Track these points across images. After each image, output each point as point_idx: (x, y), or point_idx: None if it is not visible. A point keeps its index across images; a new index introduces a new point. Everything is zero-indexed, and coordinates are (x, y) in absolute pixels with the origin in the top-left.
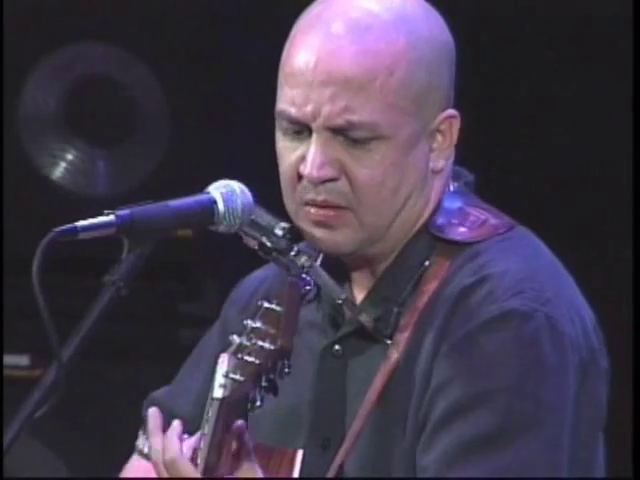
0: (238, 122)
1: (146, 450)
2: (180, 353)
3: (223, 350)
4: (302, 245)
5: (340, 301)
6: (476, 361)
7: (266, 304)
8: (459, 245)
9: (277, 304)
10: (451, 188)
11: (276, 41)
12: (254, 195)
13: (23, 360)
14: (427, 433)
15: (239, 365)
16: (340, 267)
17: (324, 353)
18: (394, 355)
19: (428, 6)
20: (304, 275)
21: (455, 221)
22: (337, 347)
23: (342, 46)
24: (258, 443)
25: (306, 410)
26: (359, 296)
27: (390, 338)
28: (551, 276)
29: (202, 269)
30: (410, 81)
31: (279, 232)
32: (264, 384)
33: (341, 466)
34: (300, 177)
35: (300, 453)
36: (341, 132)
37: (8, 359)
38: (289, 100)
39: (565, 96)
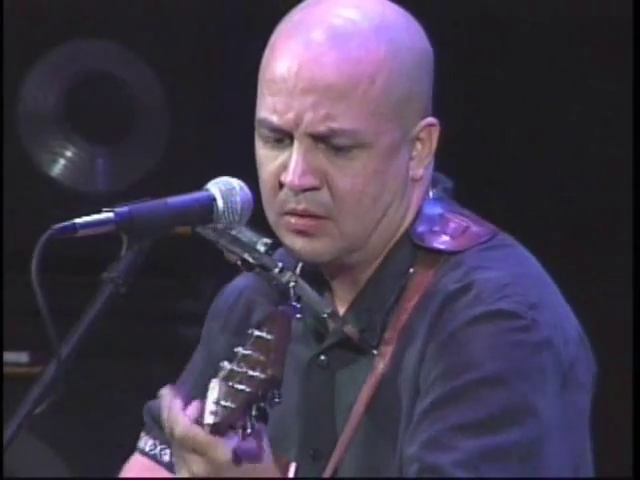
0: (237, 119)
1: (147, 448)
2: (179, 350)
3: (213, 375)
4: (278, 253)
5: (325, 315)
6: (461, 356)
7: (257, 332)
8: (442, 254)
9: (267, 332)
10: (430, 195)
11: None
12: (253, 191)
13: (22, 357)
14: (412, 427)
15: (230, 392)
16: (320, 277)
17: (310, 364)
18: (380, 365)
19: (407, 14)
20: (294, 303)
21: (436, 229)
22: (322, 357)
23: (323, 53)
24: None
25: (295, 421)
26: (341, 306)
27: (376, 348)
28: (535, 283)
29: (201, 267)
30: (391, 89)
31: (261, 248)
32: (254, 413)
33: (332, 477)
34: (281, 186)
35: (293, 466)
36: (323, 140)
37: (7, 356)
38: (270, 108)
39: (565, 96)
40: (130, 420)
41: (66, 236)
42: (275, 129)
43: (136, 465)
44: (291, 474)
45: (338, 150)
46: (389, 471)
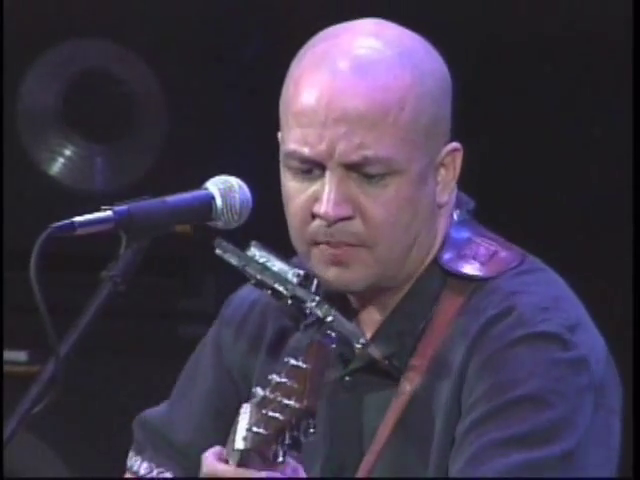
0: (236, 118)
1: (142, 471)
2: (179, 349)
3: (246, 400)
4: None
5: (360, 346)
6: (504, 375)
7: (293, 361)
8: (473, 280)
9: (304, 361)
10: (455, 217)
11: (274, 39)
12: (252, 191)
13: (21, 356)
14: (455, 445)
15: (263, 419)
16: (346, 302)
17: (335, 386)
18: (407, 390)
19: (423, 40)
20: (330, 333)
21: (465, 254)
22: (347, 379)
23: (353, 83)
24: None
25: (320, 442)
26: (367, 330)
27: (402, 374)
28: (571, 305)
29: (201, 265)
30: (419, 115)
31: (293, 279)
32: (287, 441)
33: None
34: (313, 217)
35: None
36: (356, 169)
37: (6, 355)
38: (301, 140)
39: (565, 96)
40: (130, 419)
41: (65, 234)
42: (306, 160)
43: None
44: None
45: (371, 178)
46: None
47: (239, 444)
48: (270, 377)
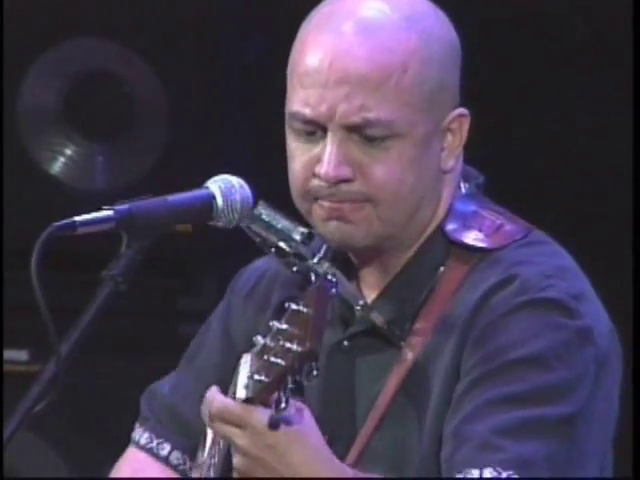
0: (237, 117)
1: (143, 441)
2: (179, 348)
3: (246, 350)
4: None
5: (359, 307)
6: (504, 339)
7: (293, 306)
8: (477, 251)
9: (304, 306)
10: (462, 190)
11: (274, 36)
12: (253, 189)
13: (22, 355)
14: (452, 406)
15: (264, 366)
16: (348, 262)
17: (332, 349)
18: (409, 356)
19: (434, 5)
20: (330, 277)
21: (470, 225)
22: (345, 343)
23: (356, 45)
24: None
25: (314, 405)
26: (368, 294)
27: (403, 339)
28: (576, 276)
29: (201, 264)
30: (423, 79)
31: (297, 237)
32: (290, 386)
33: (355, 463)
34: (314, 177)
35: None
36: (357, 131)
37: (7, 354)
38: (303, 101)
39: (565, 97)
40: (130, 418)
41: (66, 234)
42: (308, 121)
43: (132, 460)
44: None
45: (373, 140)
46: (414, 461)
47: (240, 393)
48: (271, 324)
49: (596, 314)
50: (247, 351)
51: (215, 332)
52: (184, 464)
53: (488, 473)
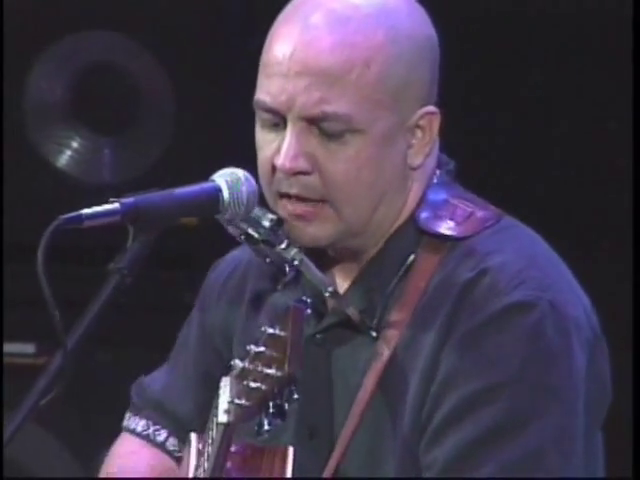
0: (242, 110)
1: (139, 429)
2: None
3: (225, 373)
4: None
5: (327, 294)
6: (482, 356)
7: (270, 330)
8: (448, 240)
9: (280, 329)
10: (434, 179)
11: None
12: (258, 183)
13: (28, 348)
14: (433, 430)
15: (244, 391)
16: (322, 255)
17: (306, 342)
18: (385, 351)
19: (412, 1)
20: (304, 298)
21: (441, 214)
22: (318, 336)
23: (319, 37)
24: (248, 443)
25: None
26: (342, 285)
27: (376, 330)
28: (548, 262)
29: (207, 258)
30: (387, 75)
31: (266, 223)
32: (272, 410)
33: (337, 464)
34: (275, 169)
35: (291, 450)
36: (316, 123)
37: (14, 347)
38: (265, 90)
39: (565, 97)
40: None
41: (72, 227)
42: (268, 110)
43: (129, 445)
44: (290, 458)
45: (331, 135)
46: (390, 455)
47: (222, 417)
48: (248, 348)
49: (573, 299)
50: (226, 374)
51: (193, 327)
52: (179, 451)
53: None
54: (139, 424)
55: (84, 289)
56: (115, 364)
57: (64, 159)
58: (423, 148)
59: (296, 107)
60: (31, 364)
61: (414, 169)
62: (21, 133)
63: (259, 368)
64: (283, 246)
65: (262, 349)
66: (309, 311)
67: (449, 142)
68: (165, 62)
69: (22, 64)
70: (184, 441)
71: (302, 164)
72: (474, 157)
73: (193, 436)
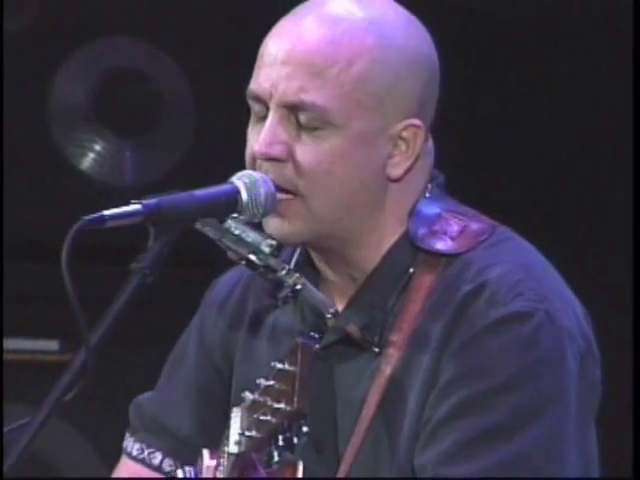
0: None
1: (134, 452)
2: None
3: (236, 404)
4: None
5: (329, 316)
6: (479, 362)
7: (279, 365)
8: (444, 256)
9: (289, 364)
10: (427, 193)
11: None
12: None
13: (52, 345)
14: (427, 432)
15: (254, 423)
16: (318, 273)
17: None
18: (387, 369)
19: (414, 20)
20: (312, 334)
21: (435, 230)
22: (321, 352)
23: (308, 31)
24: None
25: None
26: (339, 302)
27: (378, 347)
28: (543, 273)
29: (226, 257)
30: (370, 77)
31: (266, 249)
32: (281, 443)
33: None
34: (255, 158)
35: (301, 465)
36: (294, 112)
37: (38, 344)
38: (255, 79)
39: (565, 97)
40: None
41: (95, 227)
42: (255, 97)
43: (126, 471)
44: (299, 473)
45: (307, 127)
46: (391, 469)
47: (233, 448)
48: (258, 381)
49: (567, 310)
50: (237, 404)
51: (191, 345)
52: (176, 469)
53: None
54: (134, 447)
55: (107, 288)
56: (137, 361)
57: (87, 161)
58: (405, 161)
59: (277, 94)
60: (55, 361)
61: (393, 180)
62: (46, 136)
63: (269, 402)
64: (284, 272)
65: (272, 383)
66: (317, 346)
67: (446, 144)
68: (185, 67)
69: (47, 69)
70: (183, 457)
71: (276, 151)
72: (473, 157)
73: (205, 452)
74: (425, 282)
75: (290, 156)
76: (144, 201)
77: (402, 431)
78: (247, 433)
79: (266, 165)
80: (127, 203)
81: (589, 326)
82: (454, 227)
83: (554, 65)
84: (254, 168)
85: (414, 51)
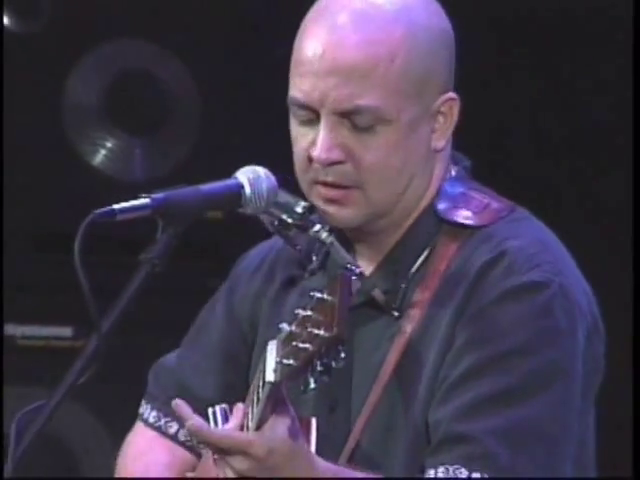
0: (263, 114)
1: (151, 420)
2: None
3: (272, 337)
4: (315, 217)
5: (355, 276)
6: (495, 327)
7: (318, 294)
8: (466, 228)
9: (328, 294)
10: (452, 173)
11: None
12: (278, 179)
13: (67, 332)
14: (443, 390)
15: (292, 351)
16: (348, 241)
17: None
18: (408, 328)
19: None
20: (350, 266)
21: (459, 205)
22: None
23: (346, 36)
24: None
25: None
26: (367, 269)
27: (399, 311)
28: (558, 250)
29: (230, 248)
30: (410, 67)
31: (299, 210)
32: (319, 368)
33: (359, 440)
34: (311, 160)
35: (314, 421)
36: (347, 116)
37: (53, 331)
38: (298, 87)
39: (565, 95)
40: None
41: (106, 220)
42: (302, 106)
43: (142, 437)
44: (313, 429)
45: (362, 127)
46: (406, 428)
47: (270, 377)
48: (296, 312)
49: (578, 285)
50: (273, 338)
51: (218, 314)
52: (192, 440)
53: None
54: (151, 415)
55: (117, 277)
56: (147, 346)
57: (99, 158)
58: (445, 131)
59: (328, 103)
60: (69, 346)
61: (438, 151)
62: (60, 134)
63: (307, 329)
64: (316, 229)
65: (310, 313)
66: (355, 278)
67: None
68: (192, 69)
69: (61, 70)
70: (199, 412)
71: (337, 154)
72: (473, 157)
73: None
74: (448, 252)
75: (349, 156)
76: (152, 195)
77: (418, 390)
78: (284, 361)
79: (327, 169)
80: (136, 197)
81: (595, 305)
82: (476, 203)
83: (555, 65)
84: (308, 168)
85: (438, 29)
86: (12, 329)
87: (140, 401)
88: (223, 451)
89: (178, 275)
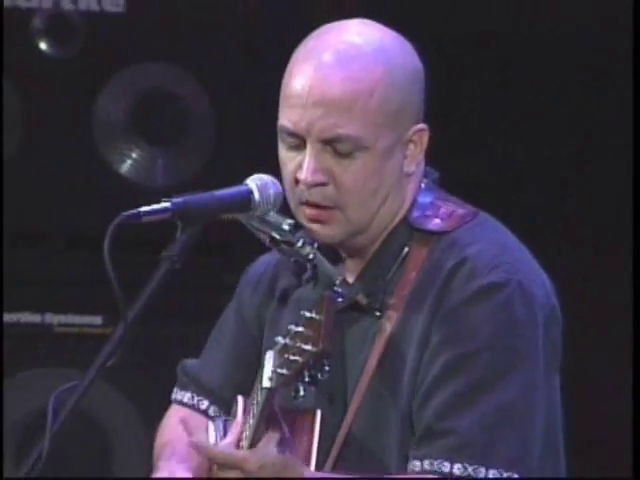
0: (268, 128)
1: (186, 400)
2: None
3: (269, 348)
4: (300, 234)
5: (337, 282)
6: (462, 328)
7: (307, 314)
8: (434, 234)
9: (316, 313)
10: (422, 185)
11: None
12: (283, 187)
13: (97, 320)
14: (422, 393)
15: (285, 362)
16: (334, 254)
17: None
18: (387, 327)
19: (402, 39)
20: (337, 289)
21: (429, 213)
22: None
23: (331, 74)
24: (280, 406)
25: None
26: (350, 276)
27: (379, 311)
28: (516, 250)
29: (244, 246)
30: (387, 101)
31: (286, 227)
32: (307, 379)
33: (351, 426)
34: (297, 181)
35: (319, 412)
36: (330, 144)
37: (84, 319)
38: (287, 117)
39: (566, 96)
40: None
41: (132, 222)
42: (291, 134)
43: (176, 414)
44: (318, 420)
45: (343, 153)
46: (394, 414)
47: (266, 383)
48: (289, 327)
49: (536, 280)
50: (269, 349)
51: (231, 319)
52: (220, 416)
53: (457, 469)
54: (185, 396)
55: (142, 273)
56: (170, 333)
57: (126, 167)
58: (416, 157)
59: (314, 132)
60: (99, 333)
61: (409, 175)
62: (91, 146)
63: (298, 344)
64: (300, 244)
65: (301, 329)
66: (340, 300)
67: (450, 143)
68: (208, 88)
69: (92, 89)
70: (222, 409)
71: (320, 177)
72: (473, 158)
73: (240, 398)
74: (419, 256)
75: (331, 179)
76: (173, 199)
77: (402, 382)
78: (279, 370)
79: (311, 190)
80: (158, 201)
81: (554, 294)
82: (444, 211)
83: (555, 68)
84: (294, 189)
85: (411, 66)
86: (50, 318)
87: (163, 382)
88: (221, 465)
89: (196, 271)
